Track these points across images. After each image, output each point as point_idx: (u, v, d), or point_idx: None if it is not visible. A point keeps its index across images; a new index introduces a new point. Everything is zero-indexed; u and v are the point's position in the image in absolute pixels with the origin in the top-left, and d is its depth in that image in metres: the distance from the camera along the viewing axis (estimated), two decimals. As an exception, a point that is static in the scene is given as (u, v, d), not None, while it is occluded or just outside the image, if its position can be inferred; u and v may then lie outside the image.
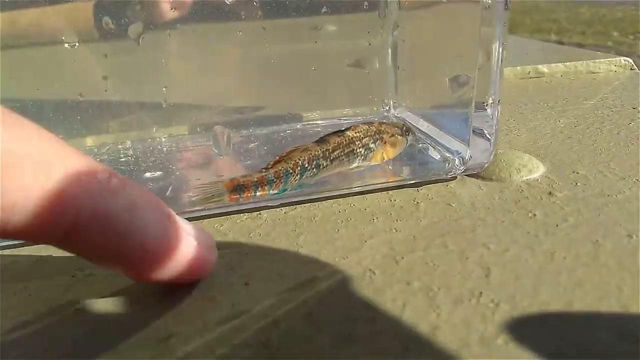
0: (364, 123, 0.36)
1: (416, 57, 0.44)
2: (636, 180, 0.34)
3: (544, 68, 0.63)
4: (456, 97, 0.36)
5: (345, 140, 0.35)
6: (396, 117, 0.46)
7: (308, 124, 0.47)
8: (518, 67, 0.64)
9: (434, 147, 0.39)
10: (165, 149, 0.43)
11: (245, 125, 0.45)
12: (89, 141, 0.42)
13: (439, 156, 0.38)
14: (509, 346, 0.20)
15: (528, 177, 0.36)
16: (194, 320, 0.23)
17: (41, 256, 0.29)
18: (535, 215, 0.31)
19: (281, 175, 0.32)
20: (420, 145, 0.41)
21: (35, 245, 0.30)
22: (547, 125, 0.46)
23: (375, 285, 0.25)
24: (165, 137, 0.44)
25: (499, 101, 0.33)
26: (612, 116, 0.47)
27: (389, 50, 0.46)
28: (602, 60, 0.64)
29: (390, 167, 0.38)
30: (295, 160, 0.33)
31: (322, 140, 0.34)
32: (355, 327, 0.22)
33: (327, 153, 0.34)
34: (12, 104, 0.39)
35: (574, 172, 0.36)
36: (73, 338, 0.22)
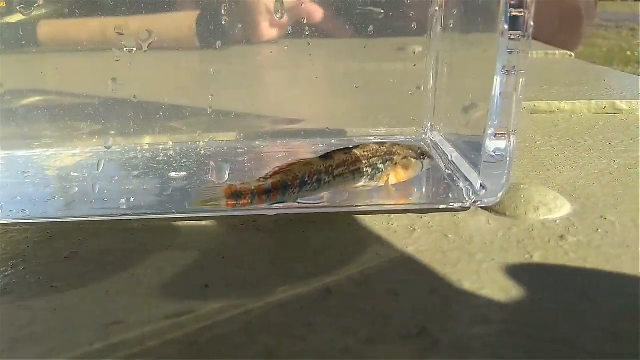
0: (375, 143, 0.36)
1: (452, 82, 0.42)
2: (673, 235, 0.30)
3: (622, 104, 0.58)
4: (465, 124, 0.34)
5: (351, 158, 0.34)
6: (431, 140, 0.45)
7: (343, 140, 0.47)
8: (593, 102, 0.59)
9: (456, 176, 0.38)
10: (202, 152, 0.46)
11: (281, 136, 0.47)
12: (135, 140, 0.46)
13: (462, 185, 0.36)
14: None
15: (546, 217, 0.33)
16: (144, 312, 0.24)
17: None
18: (532, 257, 0.28)
19: (279, 186, 0.33)
20: (447, 171, 0.39)
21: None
22: (599, 164, 0.42)
23: (328, 304, 0.24)
24: (204, 142, 0.46)
25: (514, 131, 0.31)
26: (679, 162, 0.42)
27: (431, 73, 0.45)
28: (695, 99, 0.57)
29: (401, 191, 0.37)
30: (295, 174, 0.33)
31: (326, 156, 0.34)
32: (284, 342, 0.22)
33: (330, 169, 0.34)
34: (76, 99, 0.43)
35: (601, 217, 0.33)
36: (34, 312, 0.24)
